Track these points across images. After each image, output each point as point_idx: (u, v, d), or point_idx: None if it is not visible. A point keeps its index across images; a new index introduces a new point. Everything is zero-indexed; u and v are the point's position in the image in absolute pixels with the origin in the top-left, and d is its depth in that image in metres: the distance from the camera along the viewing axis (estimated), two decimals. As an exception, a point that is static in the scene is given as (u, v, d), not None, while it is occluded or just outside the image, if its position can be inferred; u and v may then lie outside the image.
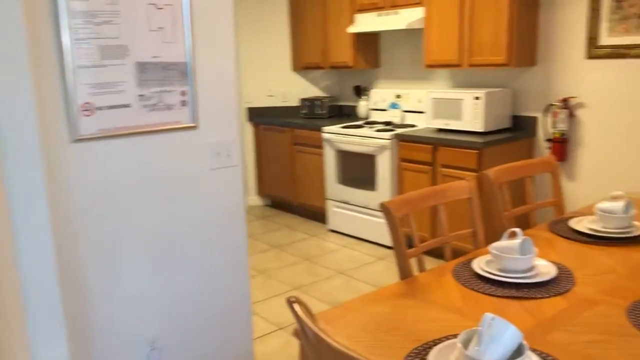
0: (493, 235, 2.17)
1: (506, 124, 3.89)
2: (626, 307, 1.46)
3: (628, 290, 1.57)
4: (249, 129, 5.56)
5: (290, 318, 3.16)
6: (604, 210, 2.03)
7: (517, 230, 1.72)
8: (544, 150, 3.82)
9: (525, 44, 3.67)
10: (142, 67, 1.88)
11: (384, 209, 1.81)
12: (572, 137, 3.65)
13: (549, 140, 3.74)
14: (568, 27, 3.58)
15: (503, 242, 1.73)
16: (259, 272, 3.94)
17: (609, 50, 3.38)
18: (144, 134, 1.93)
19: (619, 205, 2.02)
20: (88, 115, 1.80)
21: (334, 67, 4.98)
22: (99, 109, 1.82)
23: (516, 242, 1.70)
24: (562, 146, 3.62)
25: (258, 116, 5.48)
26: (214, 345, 2.21)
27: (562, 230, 2.09)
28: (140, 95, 1.90)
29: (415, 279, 1.73)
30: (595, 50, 3.45)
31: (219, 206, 2.15)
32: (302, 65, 5.31)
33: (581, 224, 2.10)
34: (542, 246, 1.94)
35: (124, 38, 1.83)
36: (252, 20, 5.36)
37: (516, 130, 3.87)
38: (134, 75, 1.87)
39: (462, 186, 2.06)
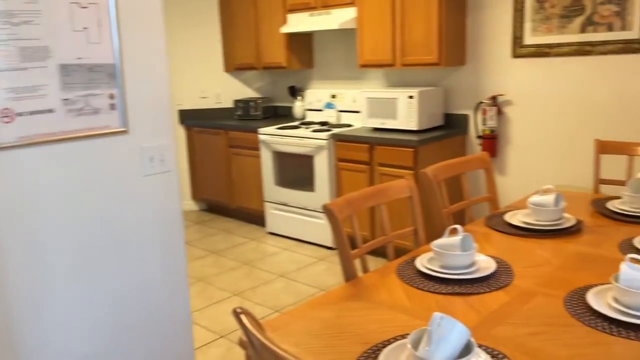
0: (434, 232, 2.21)
1: (439, 121, 3.99)
2: (563, 298, 1.51)
3: (563, 280, 1.63)
4: (181, 132, 5.41)
5: (232, 325, 3.09)
6: (536, 204, 2.11)
7: (458, 227, 1.75)
8: (475, 146, 3.95)
9: (455, 43, 3.77)
10: (66, 70, 1.77)
11: (327, 211, 1.79)
12: (501, 133, 3.79)
13: (479, 137, 3.86)
14: (494, 27, 3.71)
15: (444, 239, 1.75)
16: (197, 280, 3.83)
17: (533, 49, 3.53)
18: (71, 140, 1.81)
19: (550, 198, 2.09)
20: (8, 122, 1.67)
21: (267, 68, 4.93)
22: (20, 114, 1.69)
23: (457, 238, 1.72)
24: (492, 142, 3.75)
25: (190, 118, 5.34)
26: (153, 358, 2.11)
27: (498, 224, 2.15)
28: (65, 100, 1.78)
29: (360, 281, 1.72)
30: (520, 50, 3.59)
31: (155, 213, 2.06)
32: (234, 66, 5.22)
33: (515, 218, 2.17)
34: (481, 241, 1.98)
35: (45, 39, 1.71)
36: (181, 20, 5.21)
37: (449, 128, 3.97)
38: (57, 78, 1.75)
39: (402, 185, 2.08)
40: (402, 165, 3.70)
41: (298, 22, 4.43)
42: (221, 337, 3.03)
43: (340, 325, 1.43)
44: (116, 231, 1.96)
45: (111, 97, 1.88)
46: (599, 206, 2.29)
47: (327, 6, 4.25)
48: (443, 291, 1.60)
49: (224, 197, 5.17)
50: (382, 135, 3.82)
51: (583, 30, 3.31)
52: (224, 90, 5.41)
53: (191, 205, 5.61)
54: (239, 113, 5.20)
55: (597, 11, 3.24)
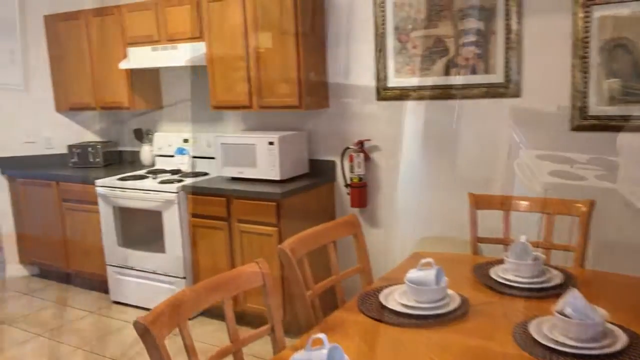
0: (298, 323, 1.77)
1: (304, 169, 3.61)
2: None
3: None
4: (3, 183, 4.51)
5: None
6: (413, 282, 1.76)
7: (322, 336, 1.32)
8: (344, 195, 3.61)
9: (316, 85, 3.44)
10: None
11: (139, 329, 1.26)
12: (370, 181, 3.49)
13: (347, 185, 3.54)
14: (357, 68, 3.44)
15: (307, 354, 1.31)
16: (12, 376, 3.03)
17: (397, 91, 3.30)
18: None
19: (430, 274, 1.76)
20: None
21: (106, 108, 4.26)
22: None
23: (323, 352, 1.29)
24: (361, 191, 3.44)
25: (13, 168, 4.47)
26: None
27: (372, 308, 1.76)
28: None
29: None
30: (384, 92, 3.35)
31: None
32: (68, 106, 4.47)
33: (392, 298, 1.81)
34: (352, 336, 1.58)
35: None
36: None
37: (315, 176, 3.60)
38: None
39: (253, 272, 1.62)
40: (265, 222, 3.24)
41: (139, 57, 3.86)
42: None
43: None
44: None
45: None
46: (482, 275, 2.00)
47: (172, 40, 3.72)
48: None
49: (59, 260, 4.34)
50: (241, 187, 3.36)
51: (447, 72, 3.14)
52: (57, 134, 4.61)
53: (20, 270, 4.68)
54: (74, 160, 4.44)
55: (460, 53, 3.09)
